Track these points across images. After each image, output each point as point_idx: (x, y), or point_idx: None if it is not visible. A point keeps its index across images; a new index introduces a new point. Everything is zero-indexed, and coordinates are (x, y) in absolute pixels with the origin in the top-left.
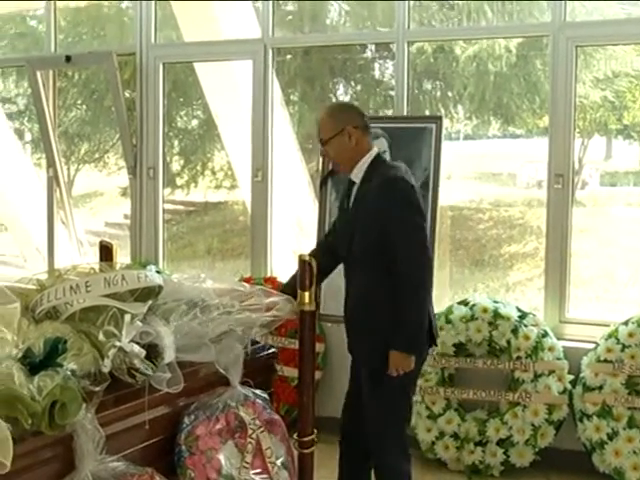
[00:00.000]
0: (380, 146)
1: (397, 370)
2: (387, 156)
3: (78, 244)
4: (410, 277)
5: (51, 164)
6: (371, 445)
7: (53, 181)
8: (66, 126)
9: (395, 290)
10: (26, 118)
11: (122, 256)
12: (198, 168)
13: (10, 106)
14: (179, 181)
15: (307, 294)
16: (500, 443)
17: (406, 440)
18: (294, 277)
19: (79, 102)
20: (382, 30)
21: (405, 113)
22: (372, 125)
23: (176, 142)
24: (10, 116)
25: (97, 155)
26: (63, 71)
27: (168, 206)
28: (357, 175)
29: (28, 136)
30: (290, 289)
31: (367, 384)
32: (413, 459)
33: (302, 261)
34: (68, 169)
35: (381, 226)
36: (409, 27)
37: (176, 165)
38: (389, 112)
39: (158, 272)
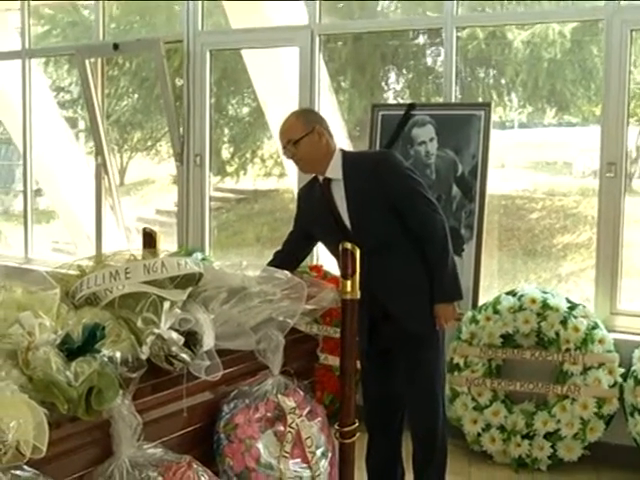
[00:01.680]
0: (427, 133)
1: (446, 321)
2: (435, 143)
3: (126, 231)
4: (434, 238)
5: (99, 152)
6: (418, 415)
7: (101, 169)
8: (118, 115)
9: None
10: (79, 106)
11: (170, 243)
12: (247, 156)
13: (64, 95)
14: (229, 169)
15: (349, 282)
16: (548, 436)
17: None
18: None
19: (130, 90)
20: (431, 15)
21: (453, 100)
22: (419, 112)
23: (226, 130)
24: (63, 105)
25: (149, 143)
26: (114, 59)
27: (218, 194)
28: (335, 172)
29: (82, 124)
30: None
31: (410, 358)
32: (459, 450)
33: (344, 249)
34: (121, 157)
35: (391, 202)
36: (457, 12)
37: (225, 153)
38: (440, 100)
39: (204, 259)
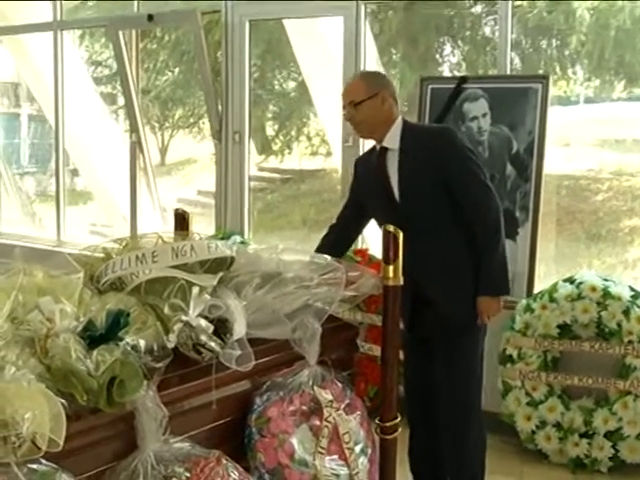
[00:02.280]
0: (480, 108)
1: (488, 316)
2: (488, 119)
3: (162, 212)
4: (486, 222)
5: (134, 129)
6: (449, 414)
7: (136, 147)
8: (158, 90)
9: (473, 241)
10: (118, 82)
11: (210, 226)
12: (293, 133)
13: (102, 69)
14: (273, 147)
15: (391, 268)
16: (608, 436)
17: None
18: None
19: (170, 65)
20: None
21: (508, 72)
22: (471, 86)
23: (271, 106)
24: (101, 80)
25: (191, 120)
26: (152, 32)
27: (263, 174)
28: (392, 141)
29: (121, 101)
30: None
31: (448, 344)
32: (511, 448)
33: (386, 232)
34: (162, 135)
35: (444, 180)
36: None
37: (270, 130)
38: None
39: (242, 243)
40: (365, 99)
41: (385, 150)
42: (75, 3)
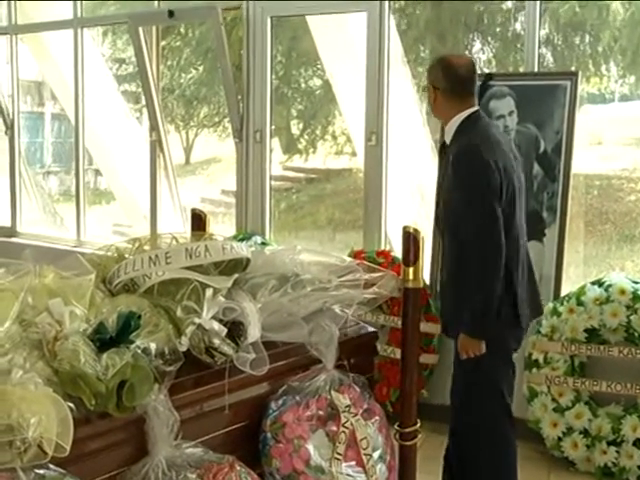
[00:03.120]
0: (506, 106)
1: (466, 353)
2: (515, 117)
3: (183, 212)
4: (468, 257)
5: (155, 128)
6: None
7: (156, 145)
8: (182, 88)
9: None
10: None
11: (232, 226)
12: (318, 132)
13: (126, 67)
14: (298, 146)
15: (411, 270)
16: (637, 444)
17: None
18: None
19: (195, 62)
20: None
21: (536, 69)
22: (498, 83)
23: (296, 104)
24: (125, 78)
25: (216, 119)
26: (176, 29)
27: (287, 173)
28: (448, 135)
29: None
30: None
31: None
32: (538, 455)
33: (406, 233)
34: (187, 134)
35: (452, 196)
36: None
37: (294, 129)
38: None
39: (263, 244)
40: (424, 88)
41: (443, 145)
42: (96, 1)
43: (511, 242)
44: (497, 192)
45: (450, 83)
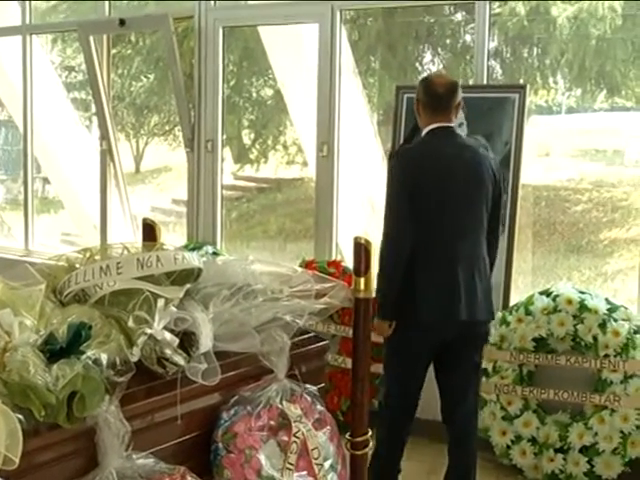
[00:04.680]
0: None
1: (377, 334)
2: (464, 129)
3: (132, 221)
4: (381, 248)
5: (105, 137)
6: None
7: (106, 155)
8: (133, 97)
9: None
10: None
11: (183, 235)
12: (269, 142)
13: (75, 75)
14: (250, 156)
15: (362, 280)
16: (584, 451)
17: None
18: None
19: (145, 71)
20: None
21: (486, 81)
22: None
23: (247, 114)
24: (74, 86)
25: (166, 128)
26: (127, 37)
27: (239, 182)
28: None
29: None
30: None
31: None
32: (487, 464)
33: (357, 243)
34: (137, 142)
35: None
36: None
37: (246, 139)
38: (484, 83)
39: (214, 254)
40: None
41: None
42: (46, 6)
43: (427, 245)
44: (406, 198)
45: (427, 98)
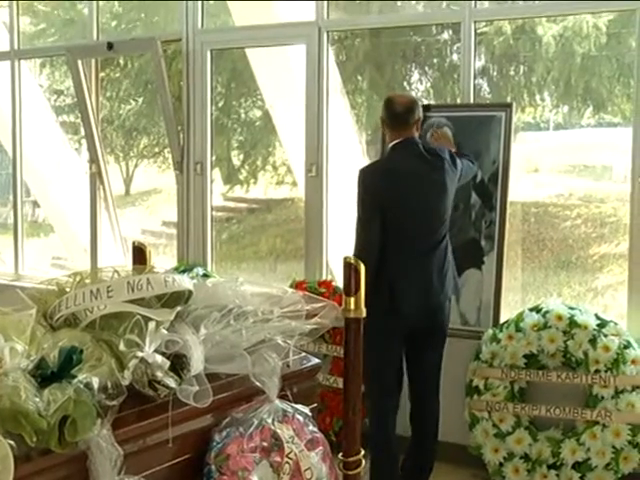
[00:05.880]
0: None
1: None
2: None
3: (122, 243)
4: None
5: (94, 160)
6: None
7: (96, 178)
8: (122, 119)
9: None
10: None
11: (173, 257)
12: (258, 163)
13: (64, 98)
14: (239, 177)
15: (353, 299)
16: (576, 467)
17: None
18: None
19: (134, 94)
20: (448, 9)
21: (472, 100)
22: (435, 114)
23: (236, 135)
24: (63, 109)
25: (156, 150)
26: (115, 60)
27: (229, 204)
28: None
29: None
30: None
31: None
32: None
33: (347, 263)
34: (126, 165)
35: None
36: (476, 5)
37: (235, 160)
38: (471, 102)
39: (205, 275)
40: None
41: None
42: (34, 30)
43: (397, 247)
44: (373, 206)
45: (388, 116)
